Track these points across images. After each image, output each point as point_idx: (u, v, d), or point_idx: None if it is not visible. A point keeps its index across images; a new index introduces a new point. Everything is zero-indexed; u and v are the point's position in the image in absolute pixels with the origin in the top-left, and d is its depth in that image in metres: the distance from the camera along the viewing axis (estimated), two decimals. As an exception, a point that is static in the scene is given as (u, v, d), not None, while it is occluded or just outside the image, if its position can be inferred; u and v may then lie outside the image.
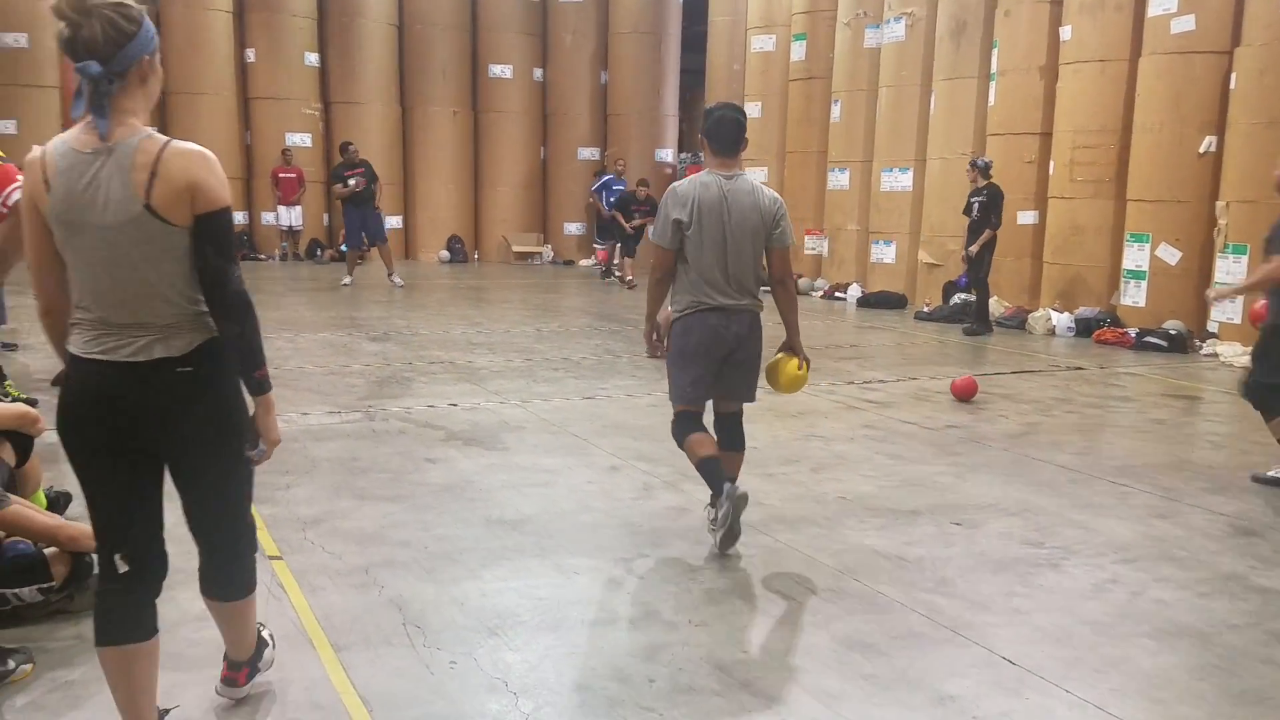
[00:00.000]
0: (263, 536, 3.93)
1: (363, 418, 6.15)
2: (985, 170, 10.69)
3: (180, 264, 2.28)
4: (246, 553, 2.60)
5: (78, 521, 3.75)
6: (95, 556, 2.50)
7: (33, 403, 5.83)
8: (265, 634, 2.96)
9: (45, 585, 3.24)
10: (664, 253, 4.10)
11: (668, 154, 19.44)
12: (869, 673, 3.06)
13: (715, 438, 4.22)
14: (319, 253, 17.57)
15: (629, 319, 11.33)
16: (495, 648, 3.18)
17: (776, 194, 4.19)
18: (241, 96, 17.39)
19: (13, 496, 3.29)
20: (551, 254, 19.21)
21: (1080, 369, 8.77)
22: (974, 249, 10.56)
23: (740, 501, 3.94)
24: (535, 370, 7.99)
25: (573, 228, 19.35)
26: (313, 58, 17.70)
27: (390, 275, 13.82)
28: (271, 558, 3.82)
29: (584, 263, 18.90)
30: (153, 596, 2.46)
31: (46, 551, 3.29)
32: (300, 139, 17.53)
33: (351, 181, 13.56)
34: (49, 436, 5.25)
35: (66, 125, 7.25)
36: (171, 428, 2.32)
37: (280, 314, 10.62)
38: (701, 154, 4.20)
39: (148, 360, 2.28)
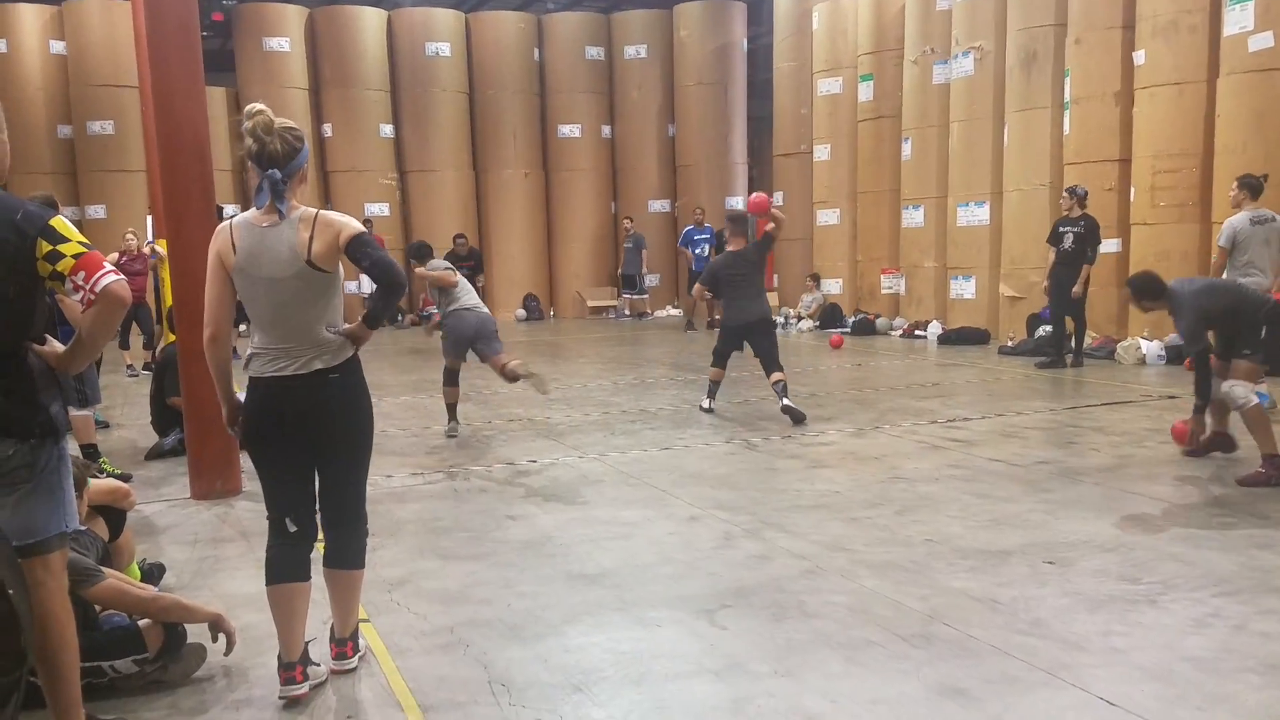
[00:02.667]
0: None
1: (445, 478, 6.25)
2: (1084, 199, 10.42)
3: (328, 300, 3.20)
4: (362, 532, 3.43)
5: (172, 593, 3.88)
6: (184, 629, 3.47)
7: (126, 478, 6.09)
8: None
9: (140, 657, 3.34)
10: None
11: (739, 201, 19.51)
12: (962, 721, 2.97)
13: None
14: (401, 318, 18.00)
15: (706, 368, 11.31)
16: (580, 704, 3.17)
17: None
18: (320, 170, 18.03)
19: (107, 570, 3.41)
20: (628, 309, 19.37)
21: (1173, 398, 8.46)
22: (1078, 289, 10.30)
23: None
24: (612, 423, 8.03)
25: (647, 279, 19.51)
26: (387, 129, 18.30)
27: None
28: (359, 620, 3.89)
29: (659, 314, 19.02)
30: (309, 550, 3.35)
31: (141, 623, 3.40)
32: (379, 209, 18.07)
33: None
34: (144, 508, 5.47)
35: (153, 206, 7.55)
36: (324, 421, 3.20)
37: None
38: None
39: (308, 372, 3.18)
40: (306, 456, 3.27)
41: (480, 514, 5.42)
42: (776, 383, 8.05)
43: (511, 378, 7.13)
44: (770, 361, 8.16)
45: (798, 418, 7.78)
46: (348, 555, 3.41)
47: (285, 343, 3.18)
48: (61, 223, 2.73)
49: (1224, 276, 7.66)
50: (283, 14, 17.68)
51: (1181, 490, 5.63)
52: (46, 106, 16.59)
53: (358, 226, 3.19)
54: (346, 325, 3.28)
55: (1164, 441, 6.87)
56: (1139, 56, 10.91)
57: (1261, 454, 5.76)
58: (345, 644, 3.47)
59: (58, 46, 16.77)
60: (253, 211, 3.21)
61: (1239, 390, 5.89)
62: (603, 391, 9.71)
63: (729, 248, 8.47)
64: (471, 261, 14.48)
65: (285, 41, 17.49)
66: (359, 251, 3.13)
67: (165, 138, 5.80)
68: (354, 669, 3.46)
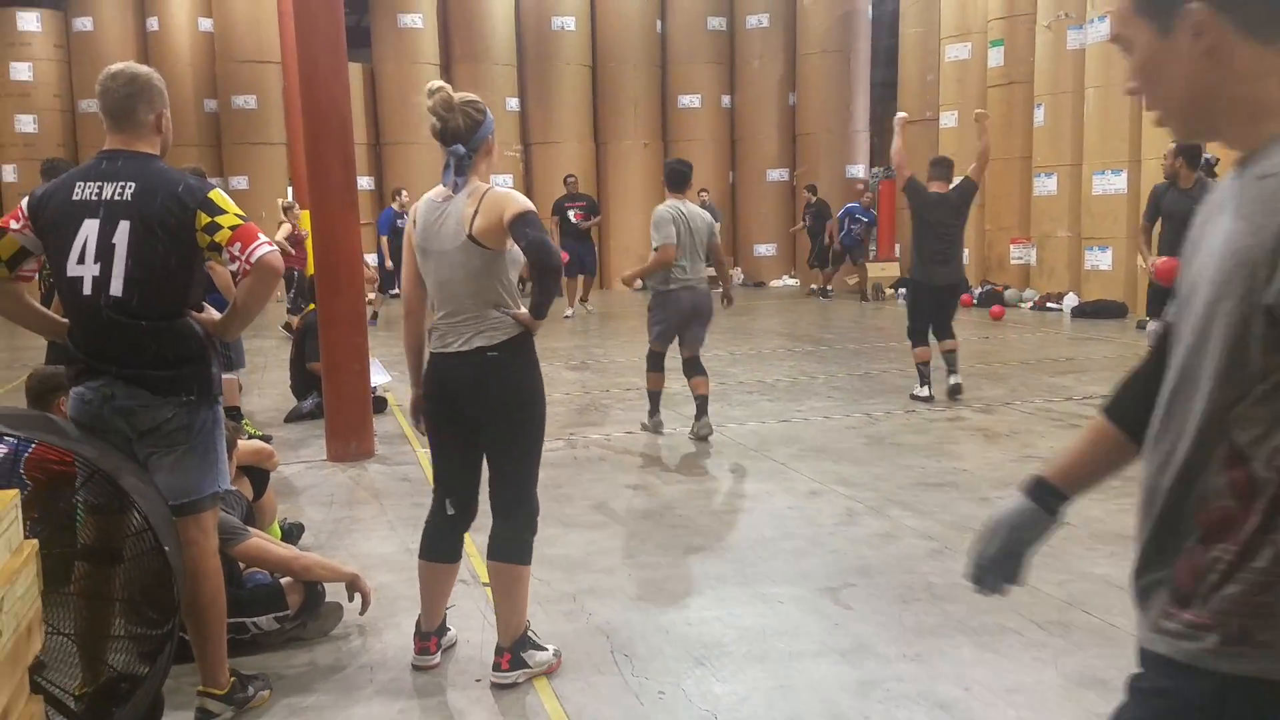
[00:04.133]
0: (476, 564, 4.08)
1: (564, 446, 6.31)
2: (1210, 168, 9.83)
3: (494, 279, 3.11)
4: (528, 526, 3.25)
5: (310, 552, 4.02)
6: (323, 587, 3.59)
7: (267, 440, 6.35)
8: (548, 648, 3.28)
9: (281, 614, 3.47)
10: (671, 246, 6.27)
11: (859, 169, 19.06)
12: (1103, 712, 2.83)
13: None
14: (522, 286, 18.24)
15: (824, 339, 11.14)
16: (702, 678, 3.15)
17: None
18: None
19: (251, 529, 3.55)
20: (742, 276, 19.19)
21: None
22: None
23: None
24: (729, 394, 7.97)
25: (762, 249, 19.28)
26: (513, 102, 18.49)
27: (585, 304, 14.31)
28: (485, 584, 3.96)
29: (774, 283, 18.84)
30: (463, 533, 3.35)
31: (282, 581, 3.53)
32: (503, 179, 18.27)
33: (572, 214, 14.09)
34: (283, 469, 5.69)
35: (295, 177, 7.78)
36: (483, 400, 3.12)
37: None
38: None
39: (470, 349, 3.11)
40: (472, 437, 3.19)
41: (600, 482, 5.45)
42: (950, 352, 7.53)
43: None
44: (945, 326, 7.59)
45: (954, 392, 7.43)
46: (507, 548, 3.20)
47: (452, 318, 3.14)
48: (219, 195, 2.85)
49: None
50: (417, -9, 18.05)
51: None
52: (194, 82, 17.34)
53: (523, 205, 3.07)
54: (519, 310, 3.16)
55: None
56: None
57: None
58: (503, 654, 3.19)
59: (205, 24, 17.51)
60: (439, 187, 3.20)
61: None
62: (719, 362, 9.62)
63: (932, 188, 7.53)
64: (583, 201, 14.42)
65: (419, 18, 17.81)
66: (518, 230, 3.03)
67: (309, 111, 5.98)
68: (512, 685, 3.15)
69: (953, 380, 7.47)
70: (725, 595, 3.84)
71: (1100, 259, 13.05)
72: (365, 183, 17.58)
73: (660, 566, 4.15)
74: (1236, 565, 1.19)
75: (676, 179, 6.51)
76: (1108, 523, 4.57)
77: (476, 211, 3.06)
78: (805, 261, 17.50)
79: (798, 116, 19.09)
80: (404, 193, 13.69)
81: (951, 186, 7.63)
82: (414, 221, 3.21)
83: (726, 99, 19.26)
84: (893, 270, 16.68)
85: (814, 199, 16.98)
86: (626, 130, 18.80)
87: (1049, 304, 13.55)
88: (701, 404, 6.48)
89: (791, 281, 18.91)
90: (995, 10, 14.64)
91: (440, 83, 3.16)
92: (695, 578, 4.03)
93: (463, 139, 3.09)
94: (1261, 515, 1.17)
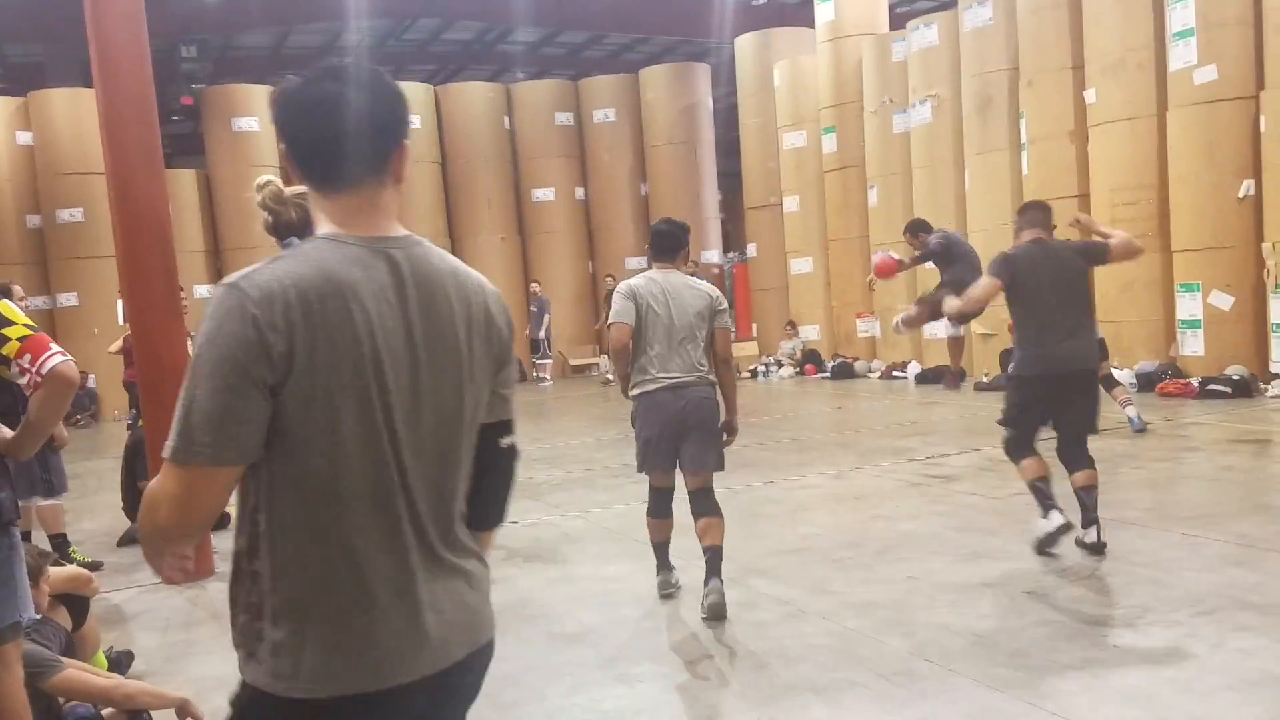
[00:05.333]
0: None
1: (427, 543, 6.22)
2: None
3: None
4: None
5: (138, 680, 3.84)
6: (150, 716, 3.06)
7: (97, 566, 6.00)
8: None
9: (104, 747, 3.28)
10: (623, 327, 4.66)
11: (714, 255, 19.73)
12: (942, 756, 2.98)
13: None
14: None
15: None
16: (561, 761, 3.16)
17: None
18: (299, 246, 18.10)
19: (67, 660, 3.35)
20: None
21: (1148, 423, 8.55)
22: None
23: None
24: (595, 479, 8.05)
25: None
26: (363, 201, 18.45)
27: None
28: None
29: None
30: None
31: (105, 713, 3.35)
32: (357, 279, 18.14)
33: None
34: (114, 596, 5.42)
35: (122, 291, 7.33)
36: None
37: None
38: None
39: None
40: None
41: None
42: (1085, 489, 4.97)
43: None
44: (1076, 445, 5.06)
45: (1096, 548, 4.93)
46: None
47: None
48: (7, 306, 2.73)
49: None
50: (251, 94, 17.88)
51: (1155, 514, 5.68)
52: (15, 197, 16.60)
53: None
54: None
55: (1137, 467, 6.95)
56: (1090, 95, 11.20)
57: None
58: None
59: (24, 137, 16.85)
60: None
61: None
62: (585, 449, 9.73)
63: (1023, 238, 5.31)
64: None
65: (254, 121, 17.67)
66: None
67: (126, 220, 5.87)
68: None
69: (1089, 536, 4.95)
70: (585, 680, 3.86)
71: (937, 328, 13.77)
72: (204, 291, 17.15)
73: (519, 659, 4.14)
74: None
75: (659, 243, 4.77)
76: (948, 574, 4.82)
77: None
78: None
79: (650, 205, 19.68)
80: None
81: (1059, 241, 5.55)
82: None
83: (580, 191, 19.72)
84: (750, 349, 17.29)
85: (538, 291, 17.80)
86: (481, 225, 18.98)
87: (895, 372, 14.22)
88: (711, 560, 4.49)
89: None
90: (826, 99, 15.58)
91: (269, 176, 3.13)
92: (555, 666, 4.04)
93: (297, 232, 3.00)
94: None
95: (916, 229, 8.44)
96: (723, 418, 4.68)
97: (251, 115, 17.65)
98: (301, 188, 3.24)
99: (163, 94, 18.01)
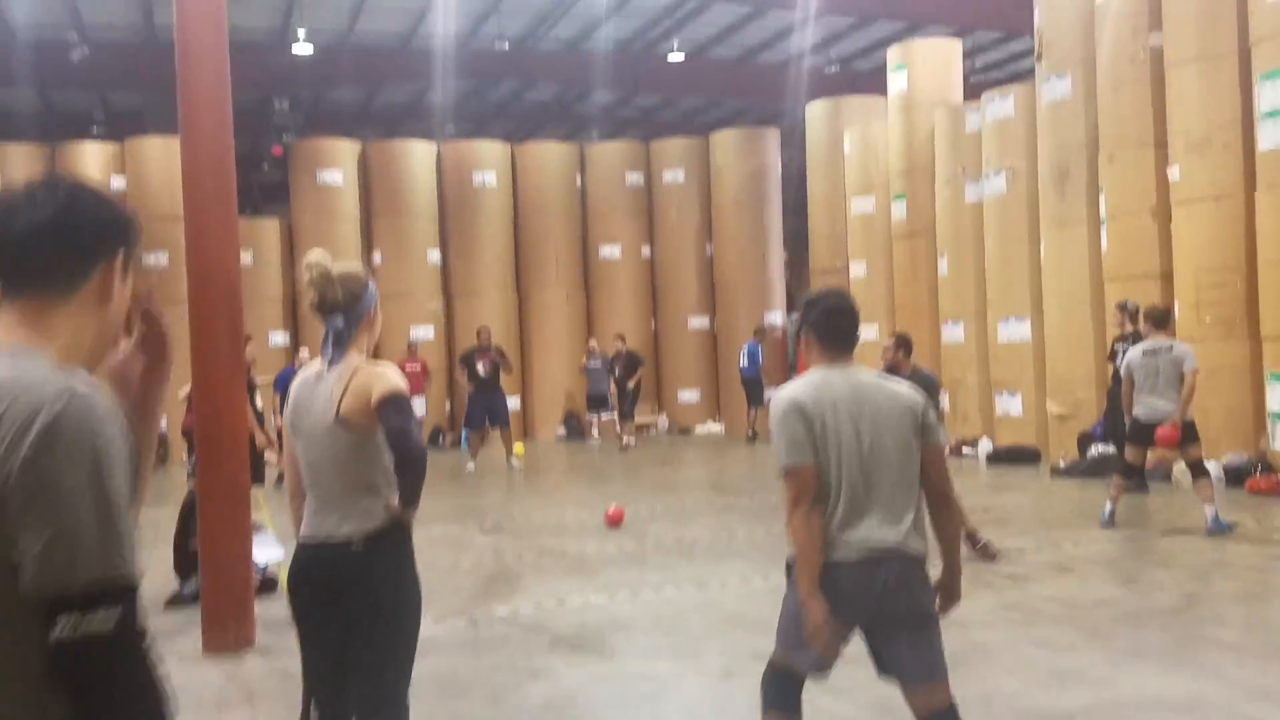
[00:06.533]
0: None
1: (466, 625, 6.01)
2: (1135, 314, 10.11)
3: (365, 464, 2.97)
4: None
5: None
6: None
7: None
8: None
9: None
10: (804, 469, 2.98)
11: (777, 316, 19.51)
12: None
13: None
14: (440, 439, 17.98)
15: (745, 489, 11.08)
16: None
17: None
18: (369, 296, 18.31)
19: None
20: (667, 423, 19.24)
21: (1235, 524, 8.04)
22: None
23: None
24: (647, 555, 7.79)
25: (686, 395, 19.40)
26: (435, 255, 18.66)
27: (510, 458, 13.96)
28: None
29: (699, 429, 18.90)
30: None
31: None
32: (424, 332, 18.26)
33: (480, 366, 13.85)
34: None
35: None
36: (347, 595, 2.95)
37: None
38: (806, 346, 3.24)
39: (334, 540, 2.96)
40: (338, 633, 2.98)
41: (500, 670, 5.17)
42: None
43: None
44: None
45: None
46: None
47: (318, 505, 3.01)
48: None
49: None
50: (336, 149, 18.32)
51: (1255, 635, 5.25)
52: (104, 241, 17.14)
53: (392, 387, 2.94)
54: (389, 500, 2.99)
55: (1229, 578, 6.49)
56: (1173, 172, 10.81)
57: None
58: None
59: (118, 181, 17.41)
60: (317, 361, 3.14)
61: None
62: (639, 519, 9.45)
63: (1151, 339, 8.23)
64: (492, 352, 14.10)
65: (339, 174, 18.06)
66: (384, 414, 2.91)
67: (196, 274, 5.86)
68: None
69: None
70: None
71: (1010, 404, 13.36)
72: (280, 338, 17.38)
73: (560, 766, 3.90)
74: None
75: (833, 325, 3.16)
76: (1026, 698, 4.46)
77: (346, 390, 2.94)
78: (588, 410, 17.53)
79: (715, 265, 19.59)
80: (304, 350, 13.30)
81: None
82: (289, 397, 3.13)
83: (646, 249, 19.72)
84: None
85: (624, 348, 16.85)
86: (548, 280, 19.05)
87: (964, 448, 13.76)
88: None
89: (716, 427, 18.98)
90: (897, 166, 15.36)
91: (319, 254, 3.09)
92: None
93: (341, 311, 3.02)
94: None
95: (907, 345, 7.92)
96: (937, 578, 3.15)
97: (336, 168, 18.05)
98: (350, 266, 3.14)
99: (255, 144, 18.68)
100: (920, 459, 3.07)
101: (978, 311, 13.97)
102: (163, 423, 15.71)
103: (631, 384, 16.28)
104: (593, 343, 18.07)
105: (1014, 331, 13.28)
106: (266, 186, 21.92)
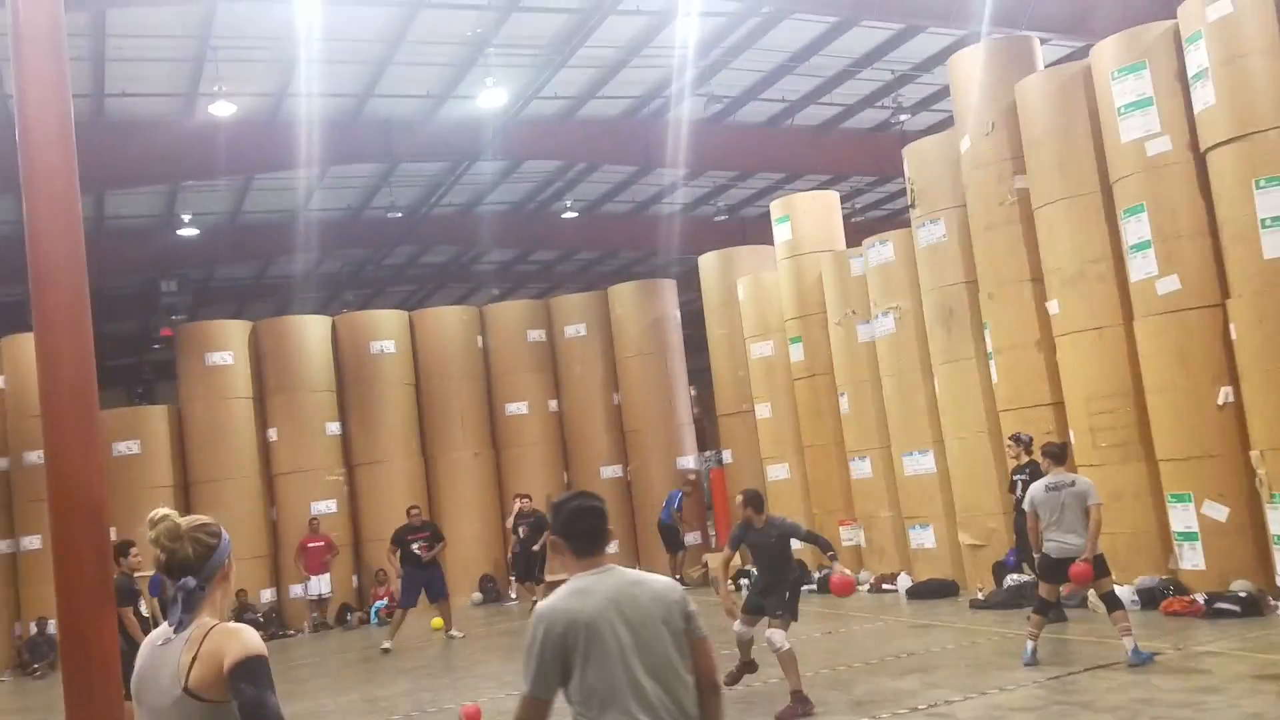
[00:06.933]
0: None
1: None
2: (1029, 445, 10.39)
3: None
4: None
5: None
6: None
7: None
8: None
9: None
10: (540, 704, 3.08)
11: (689, 460, 19.52)
12: None
13: None
14: (349, 617, 17.20)
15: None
16: None
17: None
18: (265, 475, 17.75)
19: None
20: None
21: (1156, 653, 8.06)
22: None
23: None
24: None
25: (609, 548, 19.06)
26: (334, 427, 18.24)
27: (448, 631, 13.73)
28: None
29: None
30: None
31: None
32: (326, 505, 17.69)
33: (415, 546, 13.72)
34: None
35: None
36: None
37: (303, 705, 10.11)
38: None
39: None
40: None
41: None
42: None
43: None
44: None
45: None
46: None
47: None
48: None
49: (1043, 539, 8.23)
50: (224, 330, 18.07)
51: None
52: (-16, 439, 16.33)
53: (247, 649, 2.70)
54: None
55: (1156, 718, 6.44)
56: (1053, 306, 11.25)
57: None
58: None
59: (-2, 380, 16.72)
60: (163, 627, 2.86)
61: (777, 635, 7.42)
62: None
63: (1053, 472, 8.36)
64: (426, 532, 14.00)
65: (228, 355, 17.69)
66: (235, 683, 2.64)
67: (58, 500, 5.54)
68: None
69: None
70: None
71: (924, 537, 13.44)
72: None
73: None
74: None
75: (580, 527, 3.26)
76: None
77: (195, 658, 2.69)
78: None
79: (624, 414, 19.62)
80: (133, 550, 11.55)
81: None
82: (136, 666, 2.88)
83: (553, 403, 19.67)
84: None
85: (529, 508, 15.61)
86: (455, 442, 18.78)
87: (884, 585, 13.72)
88: None
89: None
90: (790, 311, 15.78)
91: (165, 510, 2.92)
92: None
93: (192, 570, 2.82)
94: None
95: (758, 502, 8.17)
96: None
97: (225, 349, 17.71)
98: (199, 519, 2.92)
99: (145, 325, 18.29)
100: (688, 650, 3.15)
101: (882, 446, 14.18)
102: (49, 627, 14.71)
103: (537, 547, 15.61)
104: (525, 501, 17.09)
105: (919, 464, 13.47)
106: (158, 366, 21.44)
